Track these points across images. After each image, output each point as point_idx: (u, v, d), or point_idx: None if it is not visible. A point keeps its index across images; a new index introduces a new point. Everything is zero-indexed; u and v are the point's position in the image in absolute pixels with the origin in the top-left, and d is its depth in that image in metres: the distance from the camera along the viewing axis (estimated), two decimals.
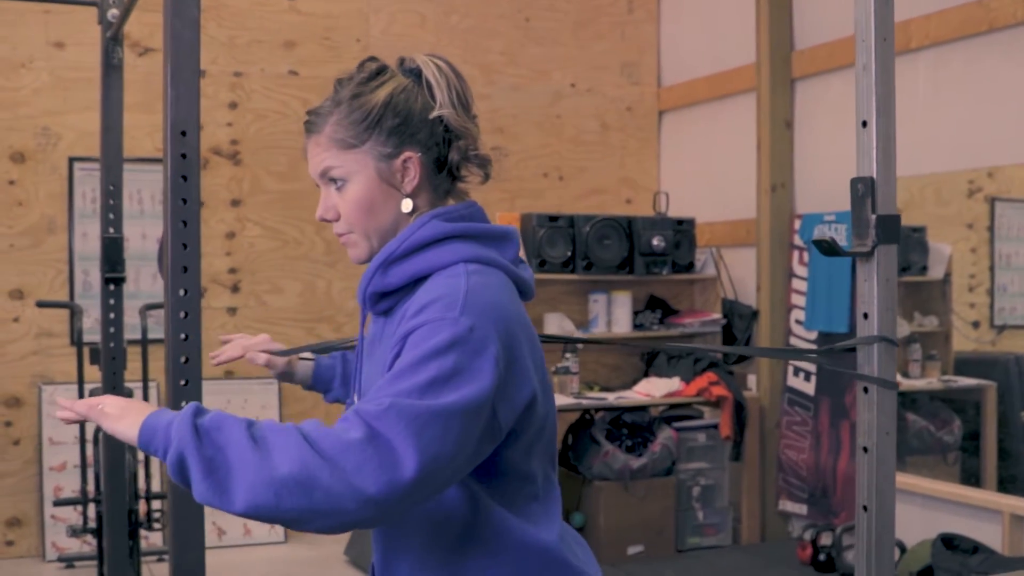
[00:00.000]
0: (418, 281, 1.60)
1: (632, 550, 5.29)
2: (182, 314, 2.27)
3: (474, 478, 1.54)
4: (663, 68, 6.80)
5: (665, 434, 5.43)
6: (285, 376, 2.06)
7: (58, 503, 4.67)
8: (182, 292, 2.29)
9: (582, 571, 1.63)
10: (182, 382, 2.25)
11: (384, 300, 1.64)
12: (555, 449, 1.67)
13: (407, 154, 1.62)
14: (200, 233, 2.34)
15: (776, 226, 5.75)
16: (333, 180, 1.64)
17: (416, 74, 1.66)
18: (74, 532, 4.73)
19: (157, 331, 5.35)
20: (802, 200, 5.76)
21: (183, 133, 2.39)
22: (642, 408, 5.54)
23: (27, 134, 5.47)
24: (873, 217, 1.81)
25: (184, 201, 2.35)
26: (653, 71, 6.79)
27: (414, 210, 1.64)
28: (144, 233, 5.62)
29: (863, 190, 1.84)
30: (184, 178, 2.37)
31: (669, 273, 5.82)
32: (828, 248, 1.85)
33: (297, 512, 1.34)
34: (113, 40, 3.70)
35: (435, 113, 1.63)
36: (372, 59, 1.68)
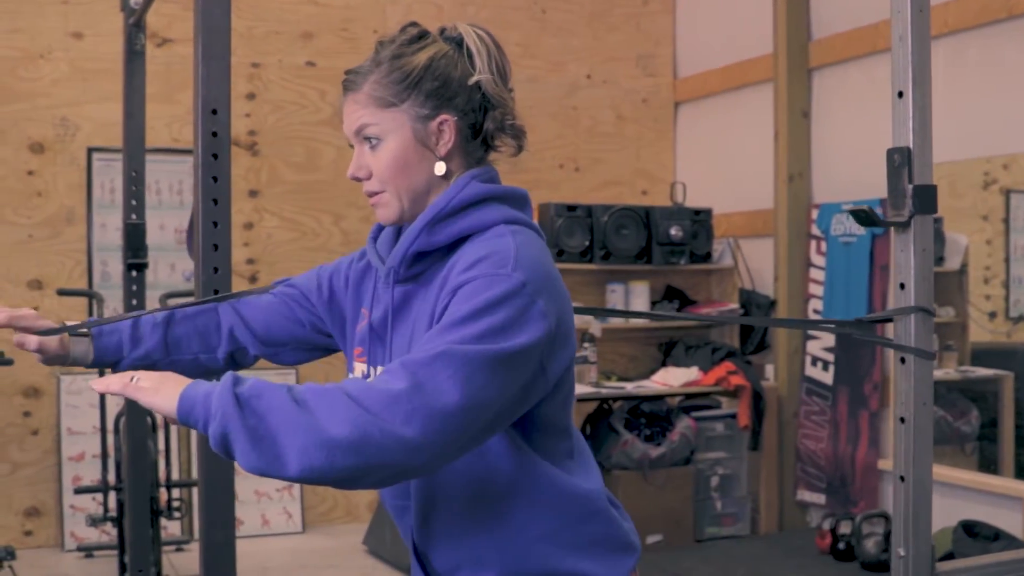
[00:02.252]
0: (455, 244, 1.62)
1: (651, 539, 5.28)
2: (214, 292, 2.27)
3: (517, 432, 1.56)
4: (679, 59, 6.80)
5: (683, 424, 5.42)
6: (57, 359, 1.77)
7: (79, 491, 4.68)
8: (213, 270, 2.29)
9: (621, 523, 1.65)
10: None
11: (419, 263, 1.64)
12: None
13: (444, 117, 1.63)
14: (231, 212, 2.33)
15: (794, 216, 5.74)
16: (368, 139, 1.64)
17: (457, 42, 1.68)
18: (93, 521, 4.74)
19: None
20: (819, 190, 5.75)
21: (214, 112, 2.37)
22: (660, 398, 5.53)
23: (46, 125, 5.48)
24: (910, 187, 1.80)
25: (215, 179, 2.33)
26: (669, 62, 6.79)
27: (447, 174, 1.65)
28: (162, 224, 5.62)
29: (899, 160, 1.83)
30: (215, 156, 2.34)
31: (687, 263, 5.82)
32: (865, 218, 1.85)
33: (351, 470, 1.35)
34: (136, 27, 3.70)
35: (474, 79, 1.64)
36: (414, 24, 1.70)
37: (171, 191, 5.70)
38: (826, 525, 5.10)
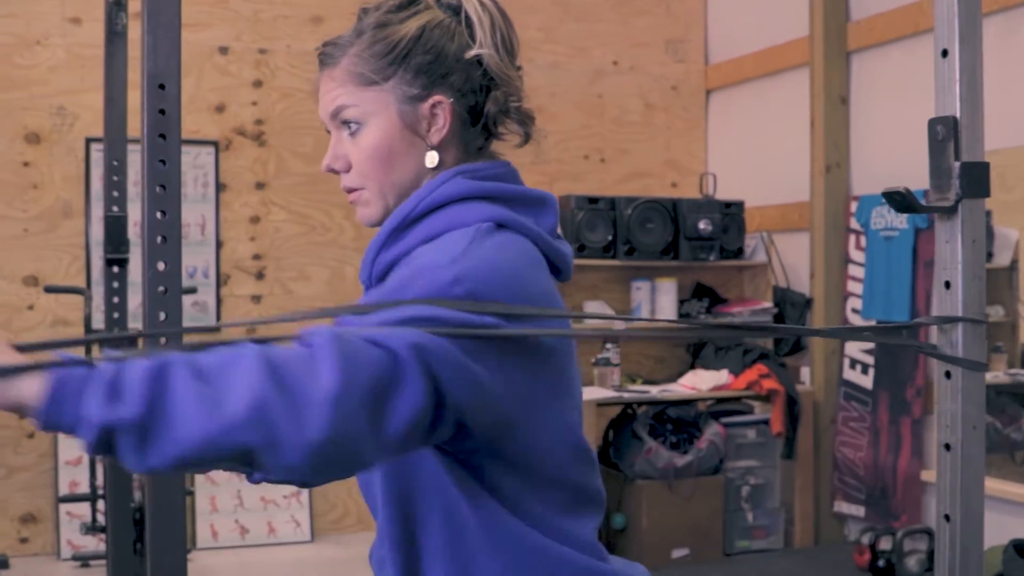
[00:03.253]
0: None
1: (677, 553, 5.00)
2: (161, 289, 2.07)
3: (481, 480, 1.35)
4: (710, 44, 6.46)
5: (712, 430, 5.12)
6: None
7: (63, 499, 4.44)
8: (161, 266, 2.08)
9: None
10: None
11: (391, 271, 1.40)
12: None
13: (437, 98, 1.38)
14: (180, 199, 2.12)
15: (831, 209, 5.41)
16: (347, 123, 1.40)
17: (455, 9, 1.43)
18: (87, 529, 4.52)
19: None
20: (859, 181, 5.41)
21: (161, 87, 2.15)
22: (688, 402, 5.23)
23: (42, 114, 5.25)
24: (956, 165, 1.49)
25: (162, 163, 2.12)
26: (700, 48, 6.46)
27: (439, 166, 1.40)
28: None
29: (944, 133, 1.51)
30: (163, 137, 2.12)
31: (716, 259, 5.51)
32: (902, 202, 1.53)
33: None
34: (116, 5, 3.49)
35: (473, 53, 1.40)
36: None
37: None
38: (865, 540, 4.79)
